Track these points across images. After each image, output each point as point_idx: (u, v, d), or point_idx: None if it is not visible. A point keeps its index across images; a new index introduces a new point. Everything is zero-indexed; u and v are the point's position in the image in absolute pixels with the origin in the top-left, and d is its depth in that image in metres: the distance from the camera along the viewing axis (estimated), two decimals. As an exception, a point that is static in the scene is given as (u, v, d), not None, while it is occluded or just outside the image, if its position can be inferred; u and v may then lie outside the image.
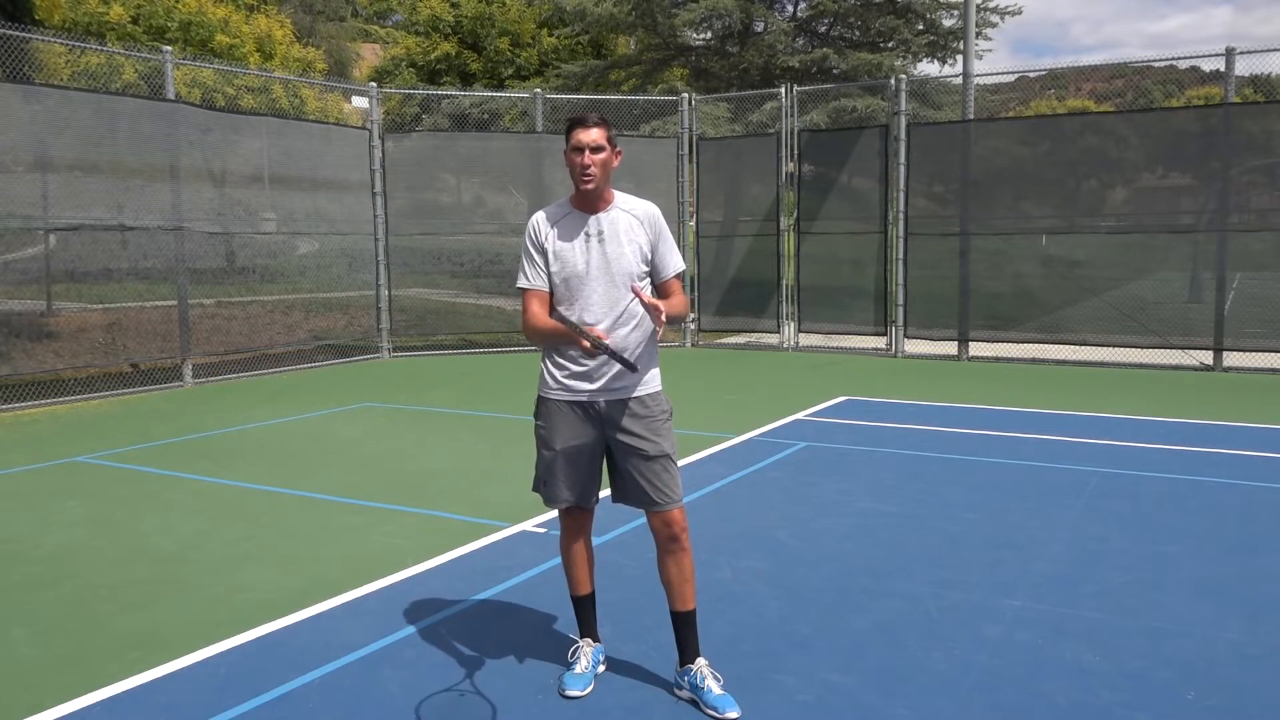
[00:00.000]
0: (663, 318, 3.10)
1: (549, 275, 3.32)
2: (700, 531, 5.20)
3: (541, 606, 4.17)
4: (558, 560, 4.64)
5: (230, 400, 9.72)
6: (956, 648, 3.72)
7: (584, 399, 3.30)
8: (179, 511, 5.75)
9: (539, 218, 3.36)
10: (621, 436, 3.29)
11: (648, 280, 3.34)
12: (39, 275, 10.27)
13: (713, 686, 3.26)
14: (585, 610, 3.56)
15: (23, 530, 5.42)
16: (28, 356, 9.70)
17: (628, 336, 3.28)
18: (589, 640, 3.54)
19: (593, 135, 3.22)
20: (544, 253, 3.31)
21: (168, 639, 3.88)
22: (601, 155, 3.23)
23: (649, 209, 3.38)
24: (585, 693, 3.37)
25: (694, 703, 3.28)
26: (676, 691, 3.37)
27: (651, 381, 3.35)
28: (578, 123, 3.24)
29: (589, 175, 3.21)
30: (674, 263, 3.38)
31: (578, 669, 3.44)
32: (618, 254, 3.27)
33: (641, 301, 3.14)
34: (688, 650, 3.36)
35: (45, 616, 4.17)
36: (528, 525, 5.33)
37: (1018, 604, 4.15)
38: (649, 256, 3.33)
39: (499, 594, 4.33)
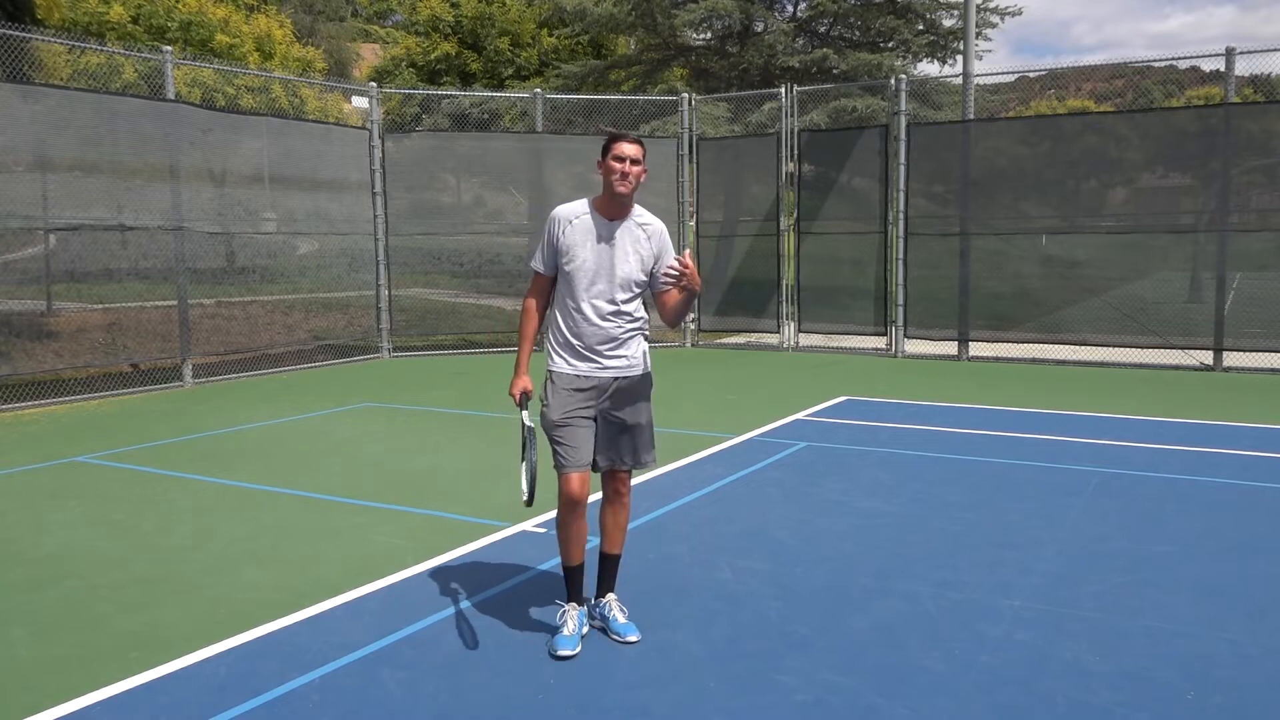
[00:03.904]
0: (694, 282, 3.56)
1: (556, 266, 3.79)
2: (700, 531, 5.21)
3: (541, 606, 4.17)
4: (558, 560, 4.66)
5: (230, 400, 9.72)
6: (956, 648, 3.72)
7: (585, 373, 3.75)
8: (179, 511, 5.75)
9: (562, 213, 3.78)
10: (609, 405, 3.77)
11: (645, 288, 3.82)
12: (39, 275, 10.27)
13: (618, 616, 3.85)
14: (575, 579, 3.90)
15: (23, 530, 5.42)
16: (28, 356, 9.70)
17: (622, 325, 3.76)
18: (574, 605, 3.85)
19: (634, 149, 3.69)
20: (555, 246, 3.77)
21: (168, 639, 3.88)
22: (638, 168, 3.69)
23: (659, 227, 3.83)
24: (575, 652, 3.67)
25: (603, 630, 3.84)
26: (590, 621, 3.90)
27: (641, 365, 3.85)
28: (621, 137, 3.72)
29: (627, 183, 3.67)
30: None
31: (566, 631, 3.74)
32: (623, 260, 3.73)
33: (685, 273, 3.54)
34: (604, 586, 3.94)
35: (45, 616, 4.17)
36: (528, 525, 5.33)
37: (1018, 604, 4.15)
38: (649, 267, 3.78)
39: (499, 594, 4.33)
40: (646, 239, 3.75)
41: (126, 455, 7.30)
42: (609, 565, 3.95)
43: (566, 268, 3.73)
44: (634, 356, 3.80)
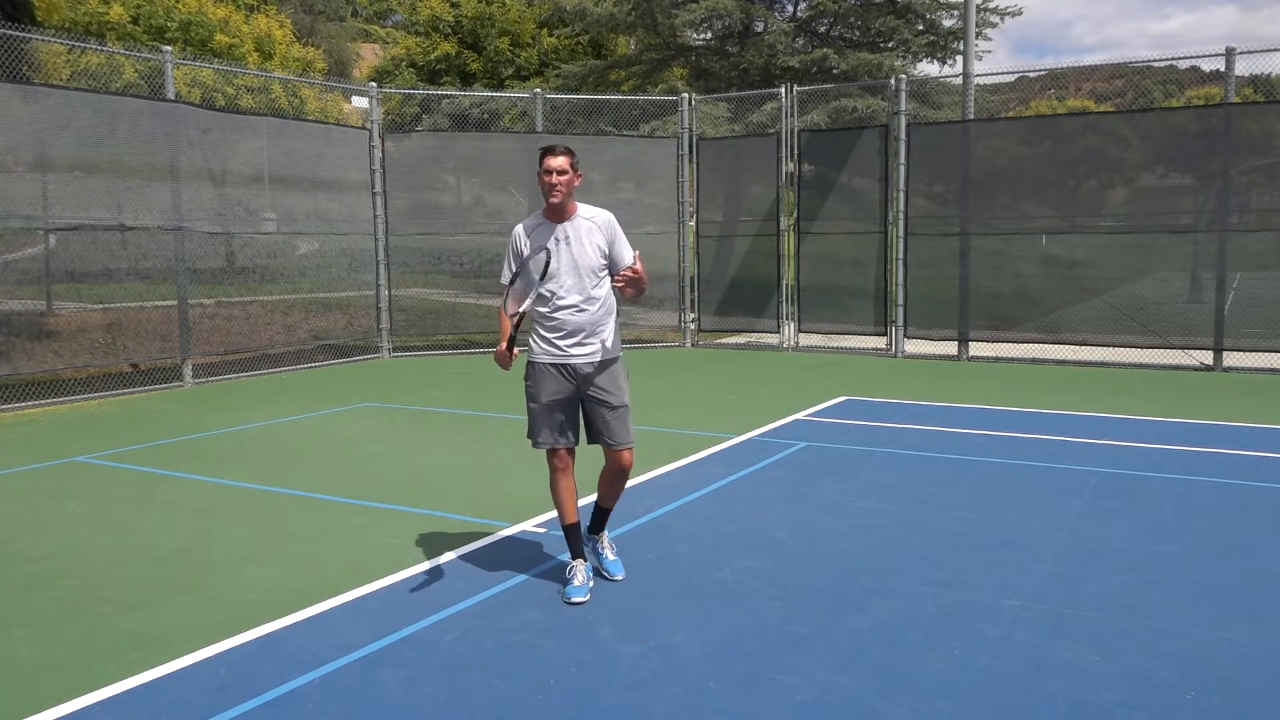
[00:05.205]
0: (642, 281, 4.22)
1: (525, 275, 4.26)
2: (700, 531, 5.21)
3: (541, 606, 4.17)
4: (557, 560, 4.68)
5: (230, 400, 9.72)
6: (956, 648, 3.72)
7: (562, 361, 4.25)
8: (179, 511, 5.75)
9: (520, 230, 4.32)
10: (592, 391, 4.26)
11: (606, 270, 4.30)
12: (39, 275, 10.26)
13: (608, 553, 4.47)
14: (574, 536, 4.38)
15: (23, 530, 5.42)
16: (28, 356, 9.70)
17: (595, 313, 4.25)
18: (580, 560, 4.35)
19: (559, 161, 4.16)
20: (522, 258, 4.27)
21: (168, 639, 3.88)
22: (565, 177, 4.17)
23: (606, 216, 4.33)
24: (585, 599, 4.17)
25: (595, 570, 4.35)
26: (586, 557, 4.35)
27: (614, 350, 4.32)
28: (547, 151, 4.17)
29: (556, 192, 4.16)
30: (628, 256, 4.28)
31: (576, 582, 4.26)
32: (581, 253, 4.24)
33: (634, 271, 4.18)
34: (596, 524, 4.50)
35: (45, 616, 4.17)
36: (528, 525, 5.33)
37: (1018, 604, 4.15)
38: (607, 252, 4.29)
39: (499, 594, 4.33)
40: (597, 229, 4.26)
41: (126, 455, 7.30)
42: (601, 514, 4.49)
43: (536, 272, 4.17)
44: (608, 344, 4.28)
